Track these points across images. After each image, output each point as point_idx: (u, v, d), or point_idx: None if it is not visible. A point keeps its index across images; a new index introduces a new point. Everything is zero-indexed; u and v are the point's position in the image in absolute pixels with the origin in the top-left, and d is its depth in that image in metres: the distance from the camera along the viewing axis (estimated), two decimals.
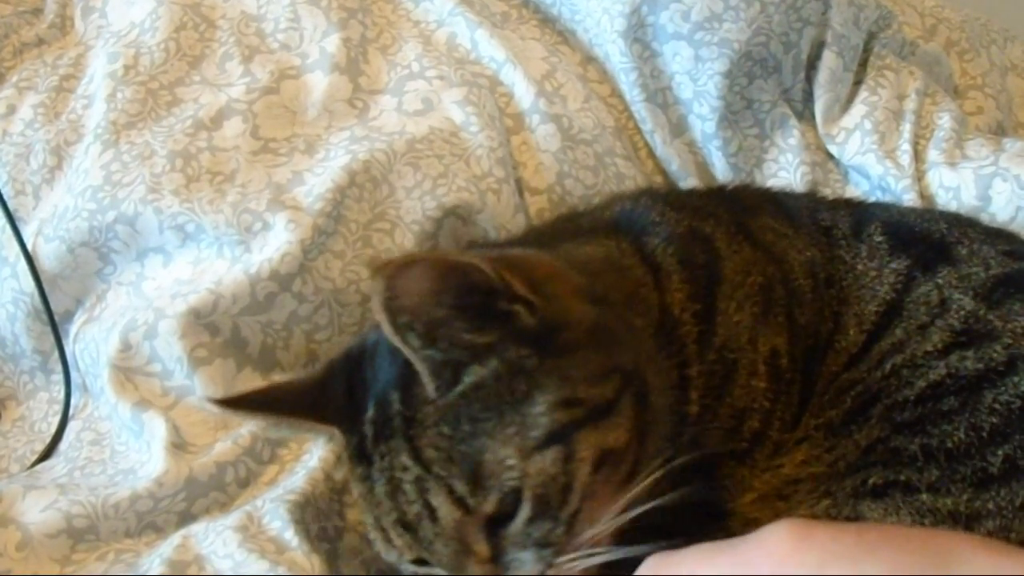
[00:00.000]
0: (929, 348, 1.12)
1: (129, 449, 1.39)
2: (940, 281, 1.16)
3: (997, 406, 1.05)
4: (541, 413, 0.96)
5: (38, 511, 1.26)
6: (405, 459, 0.98)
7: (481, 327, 0.97)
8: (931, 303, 1.15)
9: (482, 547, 0.98)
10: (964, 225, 1.27)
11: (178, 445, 1.34)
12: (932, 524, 1.00)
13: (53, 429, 1.49)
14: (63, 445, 1.47)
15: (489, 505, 0.96)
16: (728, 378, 1.12)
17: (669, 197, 1.36)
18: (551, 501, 0.97)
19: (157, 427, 1.36)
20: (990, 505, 1.00)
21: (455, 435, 0.96)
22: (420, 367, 0.97)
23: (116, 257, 1.53)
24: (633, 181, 1.62)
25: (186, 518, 1.29)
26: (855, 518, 1.04)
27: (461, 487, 0.96)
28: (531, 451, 0.95)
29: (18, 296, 1.55)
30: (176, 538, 1.24)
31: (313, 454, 1.34)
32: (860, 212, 1.31)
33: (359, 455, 1.04)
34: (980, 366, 1.08)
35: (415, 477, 0.97)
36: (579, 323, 1.02)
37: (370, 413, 1.03)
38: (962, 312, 1.13)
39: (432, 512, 0.97)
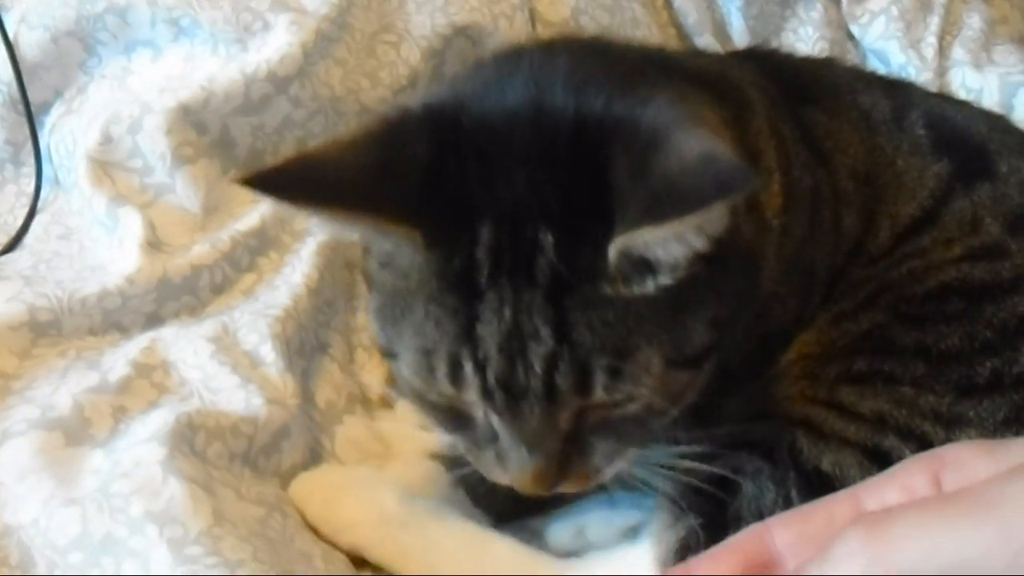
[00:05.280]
0: (947, 256, 1.05)
1: (99, 245, 1.28)
2: (976, 199, 1.09)
3: (995, 320, 1.00)
4: (696, 331, 0.85)
5: (2, 301, 1.15)
6: (542, 326, 0.80)
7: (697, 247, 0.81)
8: (964, 221, 1.07)
9: (568, 423, 0.85)
10: (1002, 131, 1.19)
11: (153, 244, 1.24)
12: (908, 416, 0.96)
13: (19, 222, 1.38)
14: (29, 238, 1.36)
15: (608, 399, 0.83)
16: (774, 299, 1.02)
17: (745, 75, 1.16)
18: (654, 411, 0.86)
19: (132, 223, 1.25)
20: (971, 413, 0.96)
21: (616, 327, 0.81)
22: (622, 250, 0.79)
23: (102, 49, 1.41)
24: (648, 29, 1.54)
25: (153, 320, 1.19)
26: (830, 401, 0.98)
27: (601, 379, 0.81)
28: (674, 366, 0.84)
29: None
30: (143, 340, 1.14)
31: (295, 268, 1.24)
32: (900, 95, 1.20)
33: (455, 280, 0.82)
34: (987, 277, 1.03)
35: (549, 351, 0.80)
36: (742, 239, 0.89)
37: (488, 236, 0.81)
38: (988, 238, 1.06)
39: (552, 391, 0.81)
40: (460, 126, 0.86)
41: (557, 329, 0.80)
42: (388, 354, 0.90)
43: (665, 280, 0.81)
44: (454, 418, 0.90)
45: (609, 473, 0.90)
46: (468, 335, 0.81)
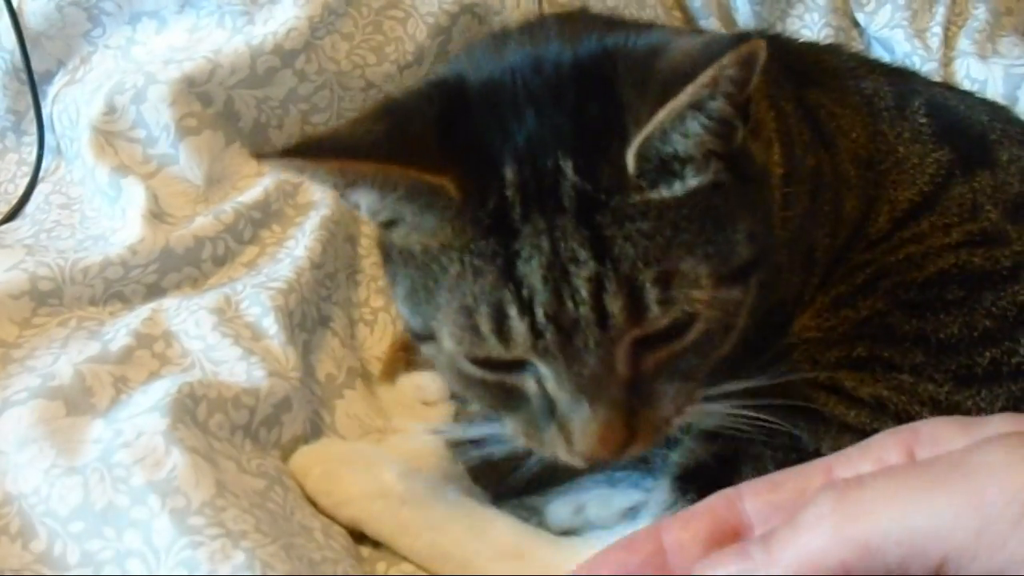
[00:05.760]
0: (946, 241, 1.05)
1: (101, 215, 1.28)
2: (976, 186, 1.08)
3: (994, 309, 0.99)
4: (737, 243, 0.82)
5: (3, 270, 1.14)
6: (580, 247, 0.78)
7: (715, 130, 0.79)
8: (963, 207, 1.07)
9: (625, 368, 0.82)
10: (1004, 120, 1.18)
11: (156, 214, 1.23)
12: (908, 402, 0.95)
13: (21, 191, 1.37)
14: (30, 207, 1.36)
15: (664, 321, 0.80)
16: (777, 270, 1.00)
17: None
18: (712, 336, 0.84)
19: (135, 194, 1.24)
20: (969, 403, 0.95)
21: (656, 236, 0.79)
22: (640, 150, 0.78)
23: (107, 19, 1.41)
24: (654, 11, 1.53)
25: (155, 291, 1.18)
26: (830, 386, 0.97)
27: (651, 294, 0.78)
28: (723, 279, 0.82)
29: None
30: (145, 311, 1.13)
31: (299, 241, 1.23)
32: (902, 84, 1.20)
33: (490, 224, 0.80)
34: (986, 265, 1.02)
35: (592, 273, 0.78)
36: (756, 157, 0.88)
37: (511, 174, 0.80)
38: (987, 224, 1.06)
39: (603, 316, 0.78)
40: (464, 88, 0.86)
41: (595, 248, 0.78)
42: (425, 337, 0.86)
43: (691, 180, 0.80)
44: (506, 395, 0.86)
45: (679, 422, 0.87)
46: (509, 276, 0.79)
